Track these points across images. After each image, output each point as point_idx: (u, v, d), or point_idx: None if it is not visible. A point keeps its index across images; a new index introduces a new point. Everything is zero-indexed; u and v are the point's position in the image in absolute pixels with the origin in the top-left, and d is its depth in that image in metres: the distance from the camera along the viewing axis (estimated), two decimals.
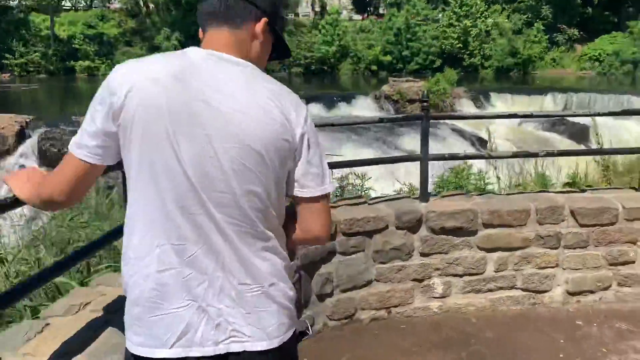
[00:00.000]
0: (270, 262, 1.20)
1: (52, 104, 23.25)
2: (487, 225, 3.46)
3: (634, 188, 4.02)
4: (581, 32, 36.26)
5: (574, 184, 5.65)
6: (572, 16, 36.71)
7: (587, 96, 18.56)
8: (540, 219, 3.50)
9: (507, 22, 36.22)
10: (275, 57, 1.34)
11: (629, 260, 3.61)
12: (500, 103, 19.27)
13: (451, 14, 34.91)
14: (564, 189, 4.48)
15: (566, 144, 15.40)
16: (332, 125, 4.14)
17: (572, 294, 3.61)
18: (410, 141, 12.16)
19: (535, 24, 34.78)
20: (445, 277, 3.49)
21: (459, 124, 14.43)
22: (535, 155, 4.60)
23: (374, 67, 35.88)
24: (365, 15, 47.42)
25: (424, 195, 3.57)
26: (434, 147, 12.76)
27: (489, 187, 5.68)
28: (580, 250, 3.57)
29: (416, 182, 4.11)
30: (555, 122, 16.22)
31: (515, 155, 4.40)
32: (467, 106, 18.94)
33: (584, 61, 33.93)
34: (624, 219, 3.56)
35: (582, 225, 3.54)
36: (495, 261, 3.52)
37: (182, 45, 35.55)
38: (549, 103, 18.66)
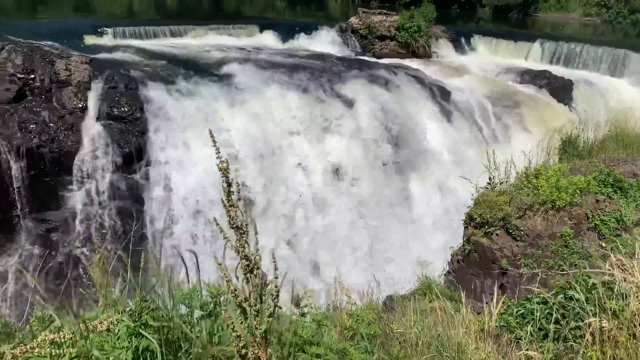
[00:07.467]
0: None
1: None
2: None
3: None
4: None
5: None
6: None
7: (579, 47, 16.51)
8: None
9: None
10: None
11: None
12: (483, 48, 17.24)
13: None
14: None
15: (545, 101, 13.67)
16: None
17: None
18: (354, 87, 10.31)
19: None
20: None
21: (422, 68, 12.54)
22: None
23: None
24: None
25: None
26: (383, 97, 10.96)
27: None
28: None
29: None
30: (536, 74, 14.37)
31: None
32: (445, 48, 16.89)
33: (590, 6, 31.15)
34: None
35: None
36: None
37: None
38: (535, 53, 16.62)
